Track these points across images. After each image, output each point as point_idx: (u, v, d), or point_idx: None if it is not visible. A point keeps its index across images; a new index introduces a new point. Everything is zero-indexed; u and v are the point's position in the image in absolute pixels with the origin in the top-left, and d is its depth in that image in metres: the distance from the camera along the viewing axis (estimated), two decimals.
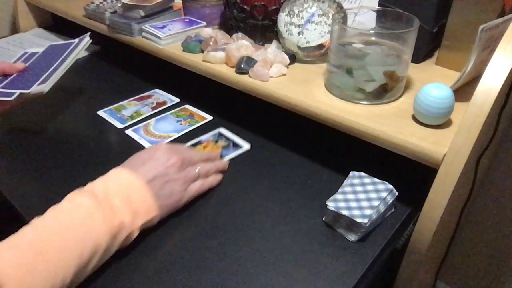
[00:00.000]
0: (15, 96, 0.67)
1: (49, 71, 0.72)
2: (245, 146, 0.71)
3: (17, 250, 0.42)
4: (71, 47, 0.78)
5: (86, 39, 0.80)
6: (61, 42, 0.82)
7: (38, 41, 1.12)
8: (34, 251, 0.42)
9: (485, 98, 0.50)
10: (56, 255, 0.43)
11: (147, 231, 0.53)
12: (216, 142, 0.72)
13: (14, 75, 0.74)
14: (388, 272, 0.62)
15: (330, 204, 0.54)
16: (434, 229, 0.54)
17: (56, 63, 0.74)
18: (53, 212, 0.47)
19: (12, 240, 0.43)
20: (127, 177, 0.52)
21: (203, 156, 0.62)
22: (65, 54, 0.76)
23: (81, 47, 0.78)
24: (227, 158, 0.68)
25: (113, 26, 0.88)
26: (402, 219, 0.57)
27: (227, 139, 0.73)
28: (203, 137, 0.73)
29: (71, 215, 0.46)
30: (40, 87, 0.69)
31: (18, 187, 0.61)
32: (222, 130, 0.75)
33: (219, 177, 0.63)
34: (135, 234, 0.50)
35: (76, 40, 0.80)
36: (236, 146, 0.71)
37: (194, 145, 0.71)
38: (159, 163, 0.54)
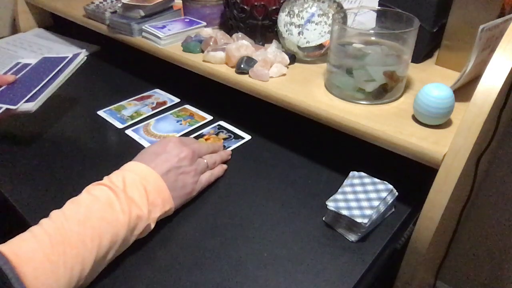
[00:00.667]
0: (1, 111, 0.66)
1: (38, 87, 0.70)
2: (246, 137, 0.74)
3: (36, 241, 0.42)
4: (64, 63, 0.76)
5: (81, 56, 0.77)
6: (55, 55, 0.79)
7: (38, 41, 1.12)
8: (53, 242, 0.43)
9: (485, 98, 0.50)
10: (75, 246, 0.43)
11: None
12: (217, 134, 0.74)
13: (3, 87, 0.72)
14: (388, 272, 0.61)
15: (330, 204, 0.54)
16: (434, 229, 0.54)
17: (47, 79, 0.72)
18: (71, 204, 0.48)
19: (32, 230, 0.44)
20: (143, 170, 0.53)
21: (209, 147, 0.64)
22: (57, 69, 0.74)
23: (74, 64, 0.75)
24: (230, 149, 0.70)
25: (113, 26, 0.88)
26: (402, 219, 0.57)
27: (228, 131, 0.75)
28: (204, 130, 0.75)
29: (90, 207, 0.47)
30: (28, 105, 0.67)
31: (19, 188, 0.61)
32: (222, 123, 0.77)
33: (224, 167, 0.65)
34: (152, 225, 0.51)
35: (70, 55, 0.78)
36: (237, 137, 0.73)
37: (196, 138, 0.73)
38: (172, 156, 0.56)
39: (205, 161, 0.61)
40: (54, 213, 0.46)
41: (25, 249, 0.41)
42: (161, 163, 0.54)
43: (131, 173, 0.52)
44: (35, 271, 0.40)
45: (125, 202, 0.48)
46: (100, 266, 0.47)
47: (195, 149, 0.59)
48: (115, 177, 0.51)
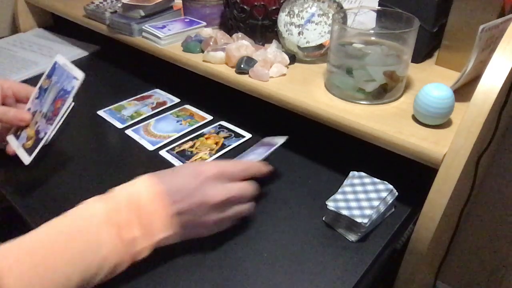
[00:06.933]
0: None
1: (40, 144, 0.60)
2: (247, 136, 0.74)
3: (22, 252, 0.41)
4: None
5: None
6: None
7: (38, 41, 1.12)
8: (38, 256, 0.41)
9: (485, 98, 0.50)
10: (60, 264, 0.41)
11: None
12: (217, 133, 0.74)
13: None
14: (388, 272, 0.61)
15: (330, 204, 0.54)
16: (434, 229, 0.54)
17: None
18: (64, 218, 0.45)
19: (19, 240, 0.42)
20: (154, 201, 0.47)
21: (245, 189, 0.52)
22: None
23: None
24: (230, 147, 0.70)
25: (113, 26, 0.88)
26: (402, 219, 0.57)
27: (228, 130, 0.75)
28: (205, 130, 0.75)
29: (80, 225, 0.44)
30: (25, 158, 0.60)
31: (19, 189, 0.61)
32: (223, 122, 0.78)
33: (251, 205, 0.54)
34: (146, 251, 0.47)
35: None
36: (237, 136, 0.73)
37: (196, 137, 0.73)
38: (199, 197, 0.48)
39: (236, 209, 0.51)
40: (45, 226, 0.44)
41: (9, 260, 0.40)
42: (180, 199, 0.47)
43: (136, 193, 0.47)
44: (16, 282, 0.39)
45: (120, 223, 0.45)
46: (89, 286, 0.43)
47: (233, 193, 0.50)
48: (120, 193, 0.47)
